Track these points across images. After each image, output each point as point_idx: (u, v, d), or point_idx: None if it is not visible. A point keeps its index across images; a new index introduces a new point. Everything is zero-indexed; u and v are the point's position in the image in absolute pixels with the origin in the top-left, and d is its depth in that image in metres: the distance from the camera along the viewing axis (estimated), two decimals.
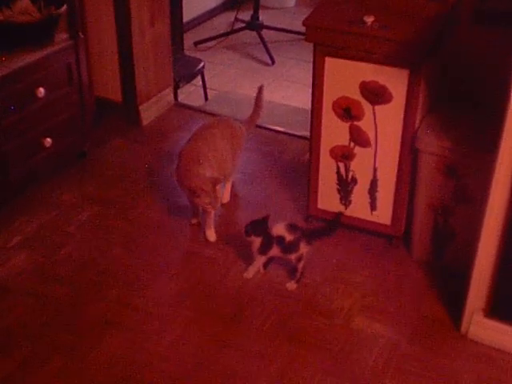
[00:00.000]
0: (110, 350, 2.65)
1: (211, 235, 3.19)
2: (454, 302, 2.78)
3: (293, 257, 2.90)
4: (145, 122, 4.15)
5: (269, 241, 2.89)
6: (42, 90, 3.33)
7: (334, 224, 3.08)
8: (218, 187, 3.02)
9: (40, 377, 2.55)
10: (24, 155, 3.38)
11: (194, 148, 3.14)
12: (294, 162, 3.79)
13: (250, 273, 2.98)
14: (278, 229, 2.90)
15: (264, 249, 2.90)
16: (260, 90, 3.49)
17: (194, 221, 3.29)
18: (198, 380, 2.54)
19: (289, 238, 2.87)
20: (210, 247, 3.17)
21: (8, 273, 3.01)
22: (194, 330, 2.76)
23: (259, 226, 2.89)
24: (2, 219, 3.30)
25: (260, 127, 4.12)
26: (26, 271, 3.03)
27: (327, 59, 2.90)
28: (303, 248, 2.89)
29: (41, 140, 3.43)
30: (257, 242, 2.90)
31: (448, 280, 2.95)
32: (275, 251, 2.91)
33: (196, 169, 3.05)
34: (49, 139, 3.46)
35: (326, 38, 2.85)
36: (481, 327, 2.66)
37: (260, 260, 2.95)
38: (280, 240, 2.88)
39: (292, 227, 2.90)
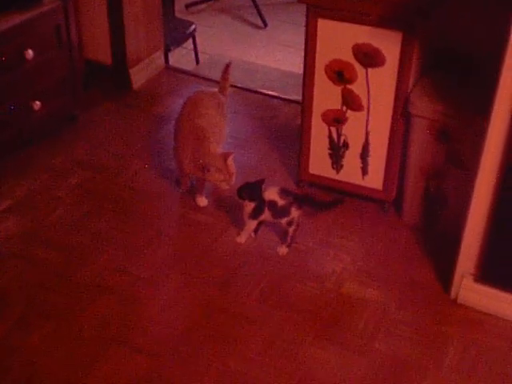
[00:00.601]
0: (102, 313, 2.65)
1: (202, 201, 3.18)
2: (445, 267, 2.79)
3: (284, 221, 2.90)
4: (135, 86, 4.11)
5: (261, 205, 2.88)
6: (30, 52, 3.28)
7: (329, 204, 3.06)
8: (229, 161, 2.96)
9: (32, 339, 2.55)
10: (13, 118, 3.34)
11: (195, 126, 3.07)
12: (286, 127, 3.77)
13: (243, 237, 2.97)
14: (271, 193, 2.88)
15: (256, 213, 2.89)
16: (228, 65, 3.42)
17: (182, 189, 3.27)
18: (188, 344, 2.54)
19: (280, 202, 2.86)
20: (202, 212, 3.16)
21: None
22: (185, 295, 2.76)
23: (253, 191, 2.87)
24: None
25: (252, 91, 4.10)
26: (16, 235, 3.01)
27: (320, 21, 2.86)
28: (294, 212, 2.88)
29: (30, 103, 3.39)
30: (249, 206, 2.88)
31: (439, 245, 2.95)
32: (266, 215, 2.90)
33: (206, 146, 3.00)
34: (38, 102, 3.42)
35: None
36: (470, 292, 2.67)
37: (252, 224, 2.94)
38: (272, 204, 2.87)
39: (284, 192, 2.89)
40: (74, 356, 2.50)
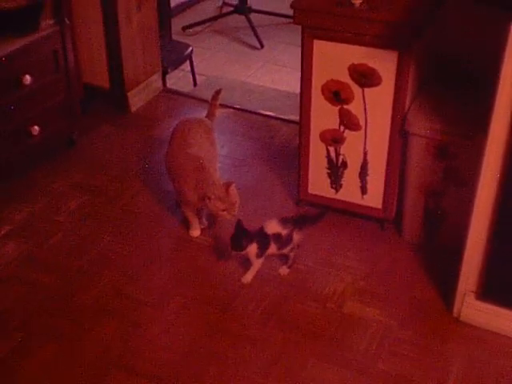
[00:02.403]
0: (102, 337, 2.64)
1: (196, 232, 3.16)
2: (446, 285, 2.78)
3: (287, 249, 2.89)
4: (133, 109, 4.12)
5: (266, 241, 2.83)
6: (28, 77, 3.29)
7: (320, 215, 3.02)
8: (231, 191, 2.90)
9: (34, 362, 2.54)
10: (11, 143, 3.35)
11: (189, 157, 3.03)
12: (284, 147, 3.77)
13: (249, 277, 2.90)
14: (272, 226, 2.84)
15: (262, 251, 2.84)
16: (217, 92, 3.41)
17: (195, 233, 3.18)
18: (189, 366, 2.53)
19: (284, 232, 2.84)
20: (201, 233, 3.16)
21: None
22: (185, 317, 2.75)
23: (241, 237, 2.79)
24: None
25: (250, 112, 4.11)
26: (16, 259, 3.01)
27: (315, 42, 2.87)
28: (296, 237, 2.87)
29: (28, 128, 3.40)
30: (253, 248, 2.82)
31: (440, 262, 2.95)
32: (272, 249, 2.86)
33: (207, 176, 2.96)
34: (36, 127, 3.42)
35: (314, 20, 2.82)
36: (473, 309, 2.66)
37: (259, 263, 2.88)
38: (277, 237, 2.83)
39: (284, 221, 2.86)
40: (74, 380, 2.49)
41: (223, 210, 2.91)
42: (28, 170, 3.52)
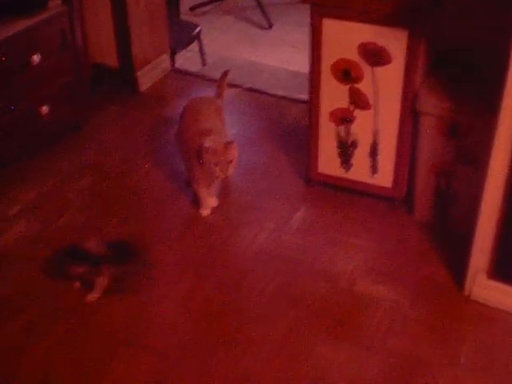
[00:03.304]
0: (113, 315, 2.66)
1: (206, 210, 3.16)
2: (457, 264, 2.77)
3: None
4: (142, 88, 4.11)
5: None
6: (36, 56, 3.29)
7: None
8: (230, 149, 2.88)
9: (45, 342, 2.55)
10: (21, 123, 3.34)
11: (201, 132, 3.01)
12: (294, 127, 3.75)
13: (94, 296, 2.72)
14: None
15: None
16: (225, 73, 3.41)
17: (205, 212, 3.17)
18: (198, 345, 2.54)
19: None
20: (212, 212, 3.16)
21: (9, 241, 3.00)
22: (195, 296, 2.75)
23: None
24: (0, 189, 3.29)
25: (260, 92, 4.10)
26: (26, 238, 3.02)
27: (324, 20, 2.85)
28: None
29: (37, 108, 3.40)
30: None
31: (451, 242, 2.94)
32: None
33: (207, 135, 2.96)
34: (45, 107, 3.42)
35: None
36: (484, 288, 2.66)
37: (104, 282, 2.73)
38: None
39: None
40: (85, 358, 2.50)
41: (216, 165, 2.89)
42: (38, 150, 3.51)
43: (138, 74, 4.07)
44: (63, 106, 3.56)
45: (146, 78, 4.13)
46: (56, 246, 2.91)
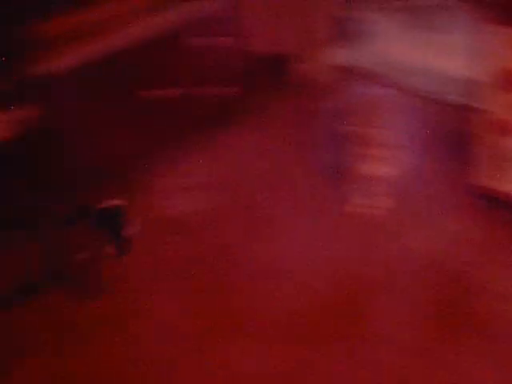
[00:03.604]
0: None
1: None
2: None
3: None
4: (300, 79, 4.18)
5: None
6: (195, 40, 3.44)
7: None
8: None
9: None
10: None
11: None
12: (456, 133, 3.56)
13: None
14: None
15: None
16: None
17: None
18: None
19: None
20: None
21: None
22: None
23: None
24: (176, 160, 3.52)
25: (420, 96, 4.07)
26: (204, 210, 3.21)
27: (497, 27, 2.81)
28: None
29: (198, 92, 3.58)
30: None
31: None
32: None
33: None
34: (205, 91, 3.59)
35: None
36: None
37: None
38: None
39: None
40: None
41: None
42: (206, 127, 3.69)
43: (295, 65, 4.13)
44: (223, 91, 3.70)
45: (306, 69, 4.19)
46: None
